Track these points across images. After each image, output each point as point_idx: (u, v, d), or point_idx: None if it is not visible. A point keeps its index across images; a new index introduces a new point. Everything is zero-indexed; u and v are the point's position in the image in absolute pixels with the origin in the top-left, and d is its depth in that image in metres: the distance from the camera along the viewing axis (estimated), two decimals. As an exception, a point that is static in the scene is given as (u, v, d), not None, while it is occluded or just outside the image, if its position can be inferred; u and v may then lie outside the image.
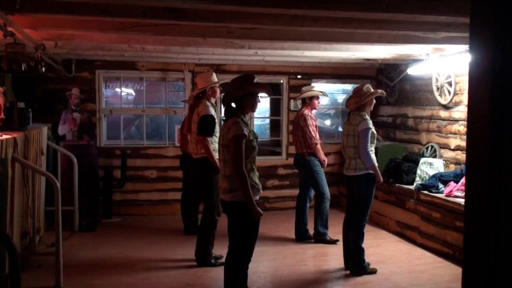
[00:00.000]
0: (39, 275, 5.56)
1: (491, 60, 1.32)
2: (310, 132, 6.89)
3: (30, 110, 6.43)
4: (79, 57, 8.10)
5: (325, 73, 9.36)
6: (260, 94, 4.63)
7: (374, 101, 5.93)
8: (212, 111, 5.92)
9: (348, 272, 5.88)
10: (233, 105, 4.41)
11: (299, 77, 9.27)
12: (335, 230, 6.94)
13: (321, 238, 7.04)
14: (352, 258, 5.83)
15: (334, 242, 6.99)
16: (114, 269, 5.92)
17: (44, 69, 5.77)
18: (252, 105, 4.48)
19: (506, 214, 1.32)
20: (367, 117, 5.75)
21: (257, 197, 4.32)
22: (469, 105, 1.42)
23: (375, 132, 5.77)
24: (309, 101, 7.09)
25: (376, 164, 5.68)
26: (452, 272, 5.88)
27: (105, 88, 9.12)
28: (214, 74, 6.21)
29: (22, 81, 7.50)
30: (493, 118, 1.31)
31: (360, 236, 5.78)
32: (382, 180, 5.83)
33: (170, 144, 8.89)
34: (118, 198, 8.54)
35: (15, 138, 5.20)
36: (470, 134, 1.43)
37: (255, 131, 4.58)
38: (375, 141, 5.81)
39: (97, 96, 8.62)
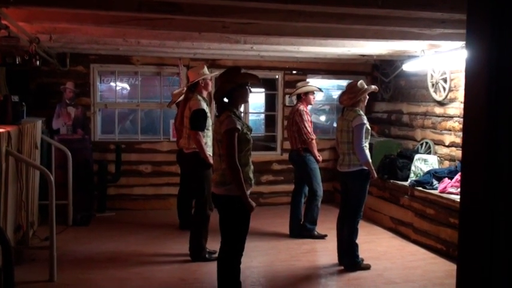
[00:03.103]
0: (33, 269, 5.55)
1: (488, 56, 1.32)
2: (305, 127, 6.88)
3: (24, 103, 6.39)
4: (74, 51, 8.07)
5: (320, 69, 9.36)
6: (254, 87, 4.63)
7: (367, 96, 5.94)
8: (204, 105, 5.90)
9: (342, 267, 5.90)
10: (225, 99, 4.41)
11: (294, 72, 9.26)
12: (329, 226, 6.96)
13: (307, 234, 7.06)
14: (346, 254, 5.85)
15: (322, 237, 7.03)
16: (107, 263, 5.92)
17: (38, 62, 5.75)
18: (243, 96, 4.47)
19: (502, 210, 1.32)
20: (362, 112, 5.77)
21: (248, 192, 4.32)
22: (465, 102, 1.41)
23: (369, 128, 5.78)
24: (305, 96, 7.08)
25: (370, 160, 5.69)
26: (446, 268, 5.91)
27: (100, 82, 9.09)
28: (205, 67, 6.20)
29: (16, 75, 7.46)
30: (489, 114, 1.31)
31: (354, 232, 5.79)
32: (376, 176, 5.83)
33: (165, 139, 8.87)
34: (112, 193, 8.53)
35: (9, 131, 5.18)
36: (466, 130, 1.43)
37: (249, 124, 4.57)
38: (369, 137, 5.81)
39: (91, 90, 8.58)
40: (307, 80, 8.05)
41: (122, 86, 10.34)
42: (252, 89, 4.63)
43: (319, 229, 7.12)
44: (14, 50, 4.91)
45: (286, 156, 8.08)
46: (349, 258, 5.83)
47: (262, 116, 10.83)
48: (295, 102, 7.34)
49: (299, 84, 7.31)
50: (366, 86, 5.83)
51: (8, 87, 7.23)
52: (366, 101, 5.96)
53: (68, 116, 7.98)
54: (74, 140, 7.84)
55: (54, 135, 7.89)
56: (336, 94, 10.62)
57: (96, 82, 8.68)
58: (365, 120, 5.67)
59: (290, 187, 7.69)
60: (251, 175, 4.38)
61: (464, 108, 1.42)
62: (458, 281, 1.44)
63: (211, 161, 5.80)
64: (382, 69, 9.12)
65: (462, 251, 1.43)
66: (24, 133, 5.93)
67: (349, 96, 5.77)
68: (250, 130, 4.43)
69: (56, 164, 7.47)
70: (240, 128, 4.23)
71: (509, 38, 1.28)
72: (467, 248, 1.42)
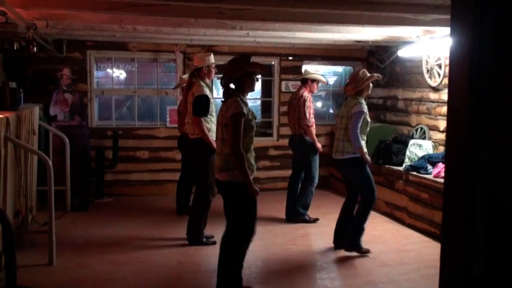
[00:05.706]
0: (33, 253, 5.63)
1: (471, 44, 1.37)
2: (305, 113, 6.90)
3: (21, 90, 6.42)
4: (70, 37, 8.08)
5: (316, 55, 9.38)
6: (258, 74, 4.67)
7: (371, 85, 5.94)
8: (207, 91, 5.95)
9: (337, 250, 5.95)
10: (232, 86, 4.45)
11: (290, 58, 9.29)
12: (324, 211, 7.04)
13: (300, 218, 7.14)
14: (350, 236, 5.86)
15: (314, 221, 7.11)
16: (106, 248, 5.99)
17: (35, 49, 5.78)
18: (251, 84, 4.52)
19: (482, 195, 1.39)
20: (363, 101, 5.77)
21: (250, 178, 4.38)
22: (449, 89, 1.47)
23: (369, 120, 5.77)
24: (311, 83, 7.11)
25: (365, 149, 5.69)
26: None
27: (97, 69, 9.10)
28: (212, 55, 6.24)
29: (13, 61, 7.48)
30: (471, 101, 1.37)
31: (366, 218, 5.81)
32: (369, 161, 5.83)
33: (162, 125, 8.92)
34: (110, 179, 8.59)
35: (7, 117, 5.22)
36: (450, 116, 1.48)
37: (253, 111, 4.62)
38: (367, 130, 5.80)
39: (88, 77, 8.60)
40: (316, 69, 8.04)
41: (118, 72, 10.35)
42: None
43: (315, 214, 7.20)
44: (11, 36, 4.93)
45: (282, 142, 8.12)
46: (352, 240, 5.84)
47: (259, 102, 10.86)
48: (291, 89, 7.36)
49: (308, 69, 7.31)
50: (368, 75, 5.84)
51: (5, 74, 7.25)
52: (370, 89, 5.95)
53: (65, 102, 8.01)
54: (71, 127, 7.89)
55: (52, 122, 7.93)
56: (331, 80, 10.64)
57: (93, 69, 8.70)
58: (365, 109, 5.68)
59: (286, 172, 7.76)
60: (253, 161, 4.43)
61: (449, 95, 1.47)
62: (441, 272, 1.50)
63: (215, 146, 5.85)
64: (377, 55, 9.15)
65: (445, 235, 1.50)
66: (22, 119, 5.96)
67: (353, 86, 5.79)
68: (255, 117, 4.48)
69: (54, 150, 7.52)
70: (246, 113, 4.28)
71: (491, 26, 1.34)
72: (449, 233, 1.48)
